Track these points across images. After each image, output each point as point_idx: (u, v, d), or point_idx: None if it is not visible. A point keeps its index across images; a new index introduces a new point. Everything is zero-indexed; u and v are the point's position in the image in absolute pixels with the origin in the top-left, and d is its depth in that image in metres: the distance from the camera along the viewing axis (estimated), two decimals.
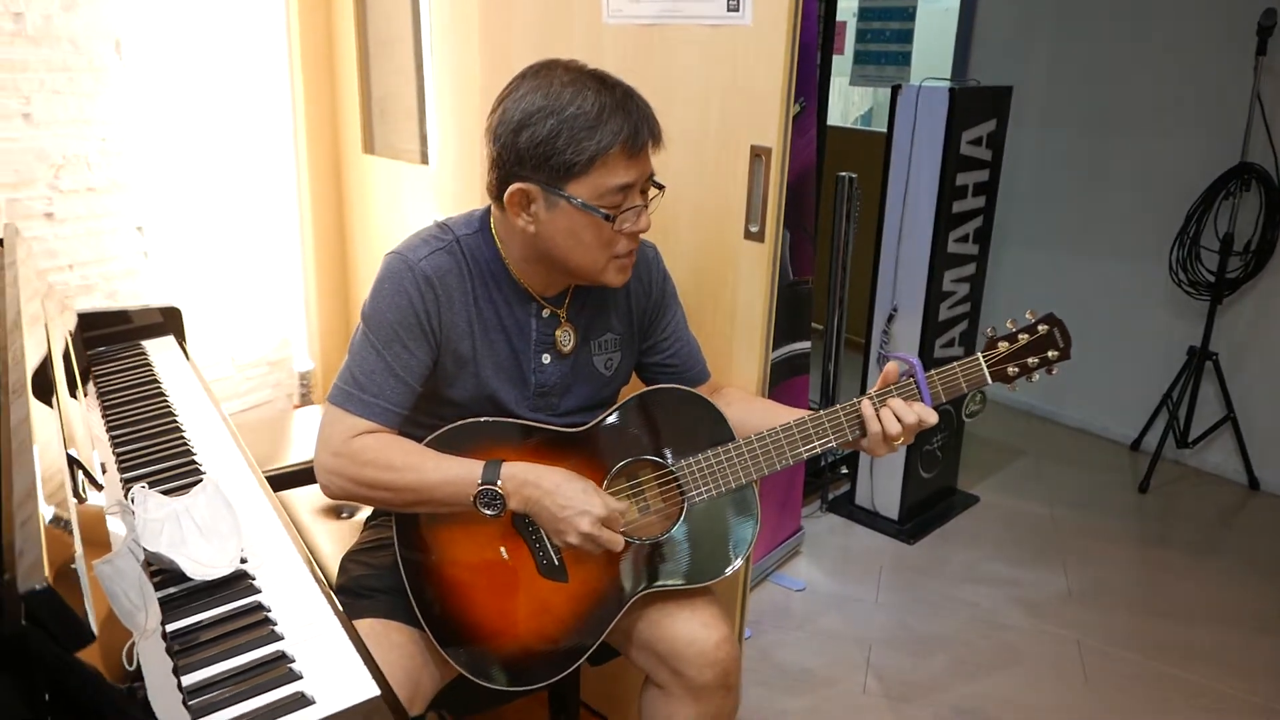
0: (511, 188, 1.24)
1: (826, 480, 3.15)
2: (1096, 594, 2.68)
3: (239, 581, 1.07)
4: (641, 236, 1.33)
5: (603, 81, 1.23)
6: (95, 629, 0.68)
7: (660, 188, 1.30)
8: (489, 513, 1.24)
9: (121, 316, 1.90)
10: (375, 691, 0.90)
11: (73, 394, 1.29)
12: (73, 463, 0.98)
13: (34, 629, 0.64)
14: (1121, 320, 3.64)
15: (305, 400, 2.92)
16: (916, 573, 2.77)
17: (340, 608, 1.04)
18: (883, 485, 3.00)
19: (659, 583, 1.37)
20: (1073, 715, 2.18)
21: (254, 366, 2.82)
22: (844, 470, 3.22)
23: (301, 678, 0.92)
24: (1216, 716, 2.19)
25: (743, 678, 1.54)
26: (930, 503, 3.10)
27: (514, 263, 1.34)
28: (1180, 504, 3.27)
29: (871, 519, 3.03)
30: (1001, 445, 3.67)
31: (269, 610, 1.02)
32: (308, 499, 1.87)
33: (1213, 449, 3.47)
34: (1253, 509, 3.25)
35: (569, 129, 1.19)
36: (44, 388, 1.08)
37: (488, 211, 1.36)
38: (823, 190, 2.85)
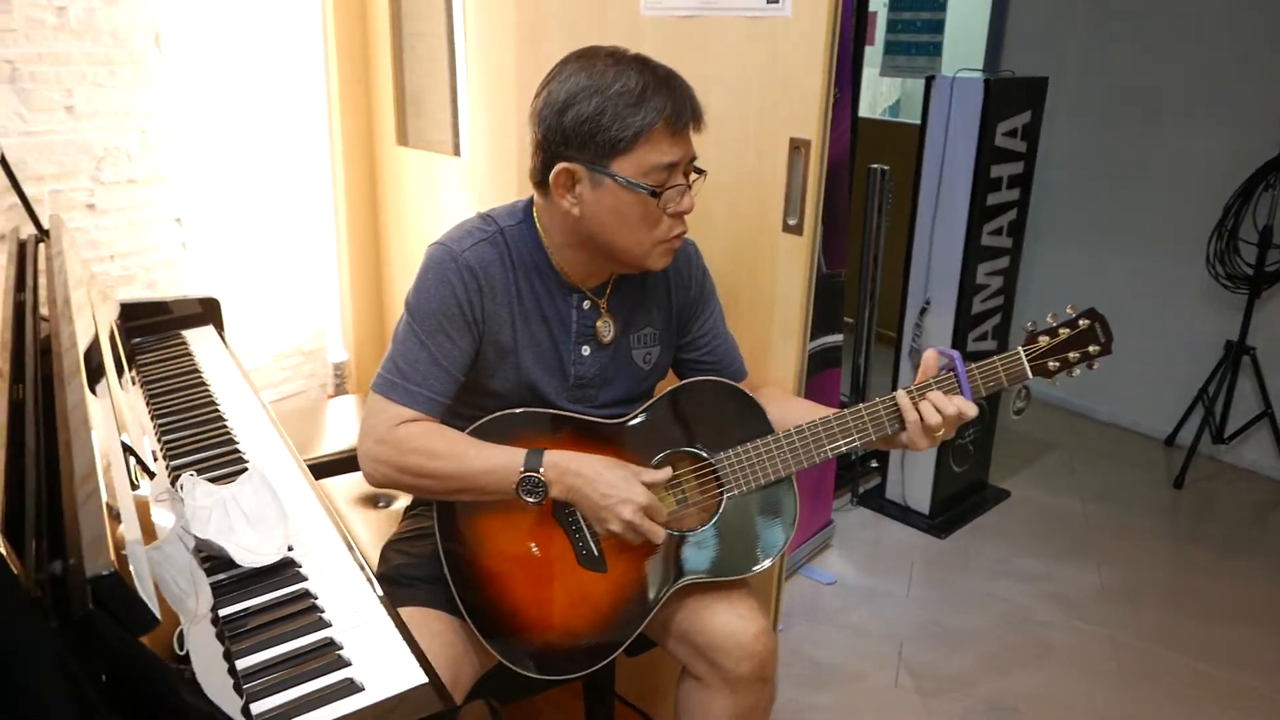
0: (557, 168, 1.25)
1: (857, 474, 3.14)
2: (1129, 590, 2.65)
3: (286, 569, 1.08)
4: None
5: (645, 63, 1.25)
6: (158, 614, 0.69)
7: (701, 172, 1.31)
8: (530, 500, 1.25)
9: (162, 307, 1.92)
10: (423, 679, 0.91)
11: (119, 382, 1.31)
12: (126, 449, 1.00)
13: (100, 613, 0.65)
14: (1157, 314, 3.59)
15: (340, 390, 2.95)
16: (947, 567, 2.76)
17: (385, 596, 1.05)
18: (914, 479, 2.98)
19: (694, 575, 1.37)
20: (1104, 711, 2.17)
21: (289, 357, 2.85)
22: (874, 464, 3.21)
23: (350, 664, 0.93)
24: (1250, 715, 2.17)
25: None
26: (961, 497, 3.08)
27: (556, 251, 1.34)
28: (1215, 500, 3.23)
29: (902, 513, 3.01)
30: (1034, 439, 3.64)
31: (316, 597, 1.03)
32: (344, 488, 1.89)
33: (1249, 445, 3.42)
34: None
35: (614, 106, 1.20)
36: (91, 374, 1.10)
37: (530, 202, 1.37)
38: (853, 182, 2.83)
